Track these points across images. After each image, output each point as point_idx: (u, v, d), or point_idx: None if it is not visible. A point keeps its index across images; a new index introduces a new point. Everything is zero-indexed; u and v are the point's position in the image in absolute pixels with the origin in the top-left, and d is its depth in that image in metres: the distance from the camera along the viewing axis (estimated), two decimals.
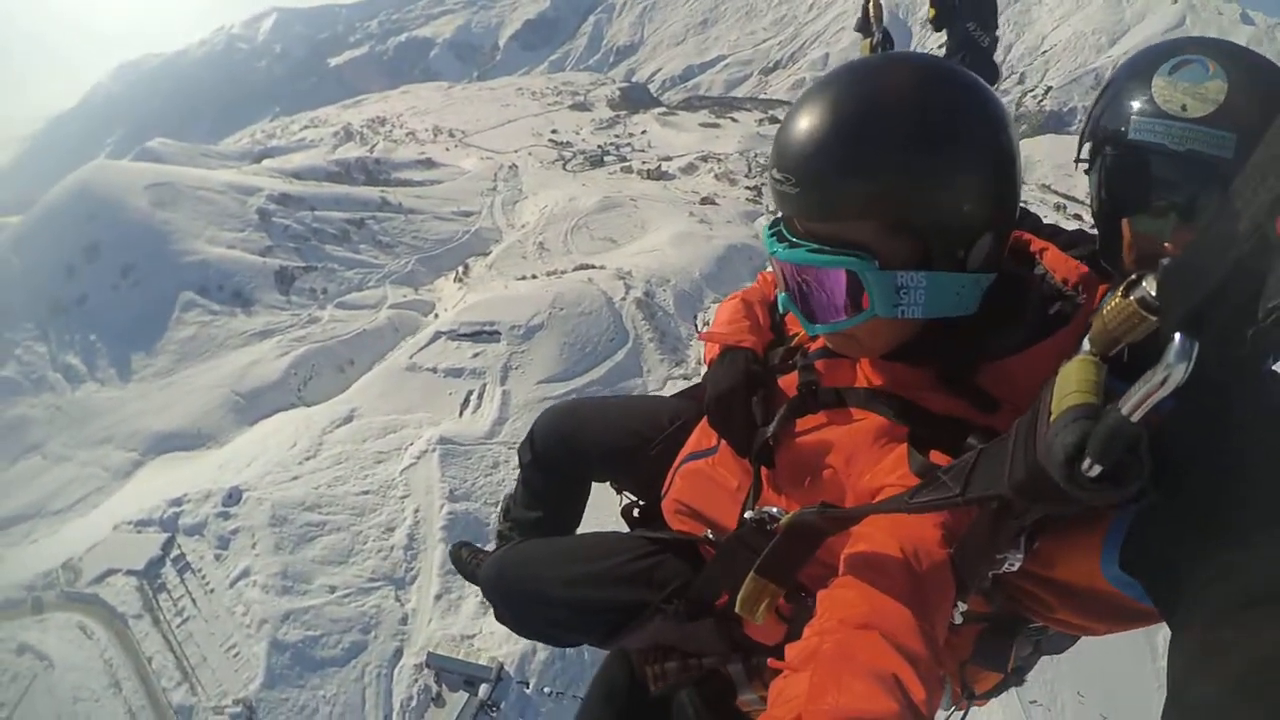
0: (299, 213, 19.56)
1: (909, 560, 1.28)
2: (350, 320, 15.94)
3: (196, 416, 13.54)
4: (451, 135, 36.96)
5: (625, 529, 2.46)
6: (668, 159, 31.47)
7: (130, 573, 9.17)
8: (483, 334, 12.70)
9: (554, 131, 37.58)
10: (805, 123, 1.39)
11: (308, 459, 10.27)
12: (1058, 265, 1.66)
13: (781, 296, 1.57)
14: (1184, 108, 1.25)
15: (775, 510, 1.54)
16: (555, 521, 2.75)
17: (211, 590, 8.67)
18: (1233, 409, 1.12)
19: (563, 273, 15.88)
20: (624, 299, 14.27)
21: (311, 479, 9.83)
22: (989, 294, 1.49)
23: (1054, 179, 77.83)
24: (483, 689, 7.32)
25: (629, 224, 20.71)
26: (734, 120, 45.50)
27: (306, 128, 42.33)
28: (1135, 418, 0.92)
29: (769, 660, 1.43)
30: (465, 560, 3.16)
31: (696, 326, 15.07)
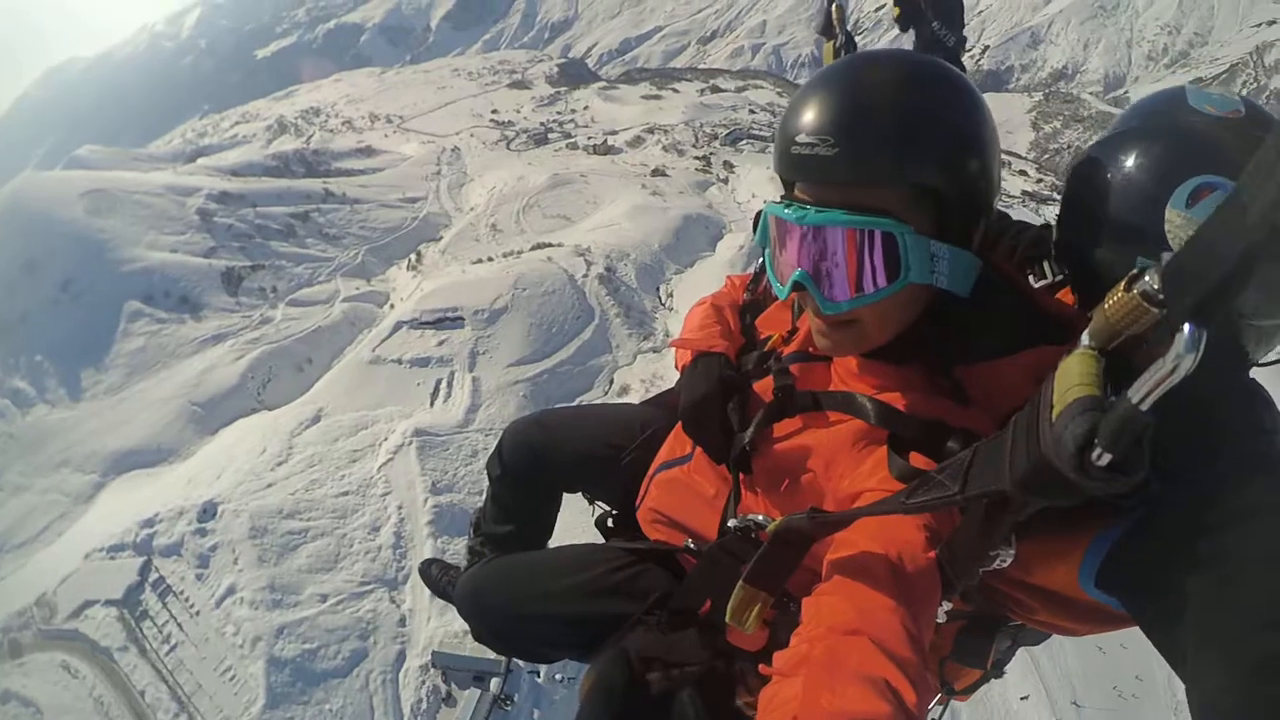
0: (240, 210, 18.87)
1: (895, 564, 1.41)
2: (304, 318, 15.45)
3: (155, 431, 13.00)
4: (389, 121, 36.16)
5: (599, 539, 2.73)
6: (613, 133, 31.18)
7: (109, 603, 8.72)
8: (445, 321, 12.38)
9: (494, 111, 36.93)
10: (841, 90, 1.55)
11: (279, 464, 9.89)
12: (1039, 294, 1.80)
13: (797, 274, 1.62)
14: None
15: (760, 518, 1.71)
16: (527, 535, 3.10)
17: (197, 612, 8.32)
18: (1217, 425, 1.25)
19: (520, 253, 15.53)
20: (585, 276, 14.03)
21: (286, 485, 9.46)
22: (978, 293, 1.63)
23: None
24: (493, 683, 7.04)
25: (581, 200, 20.44)
26: (675, 91, 45.32)
27: (238, 123, 41.04)
28: (1145, 406, 1.00)
29: (759, 666, 1.50)
30: (436, 577, 3.71)
31: (660, 299, 15.02)
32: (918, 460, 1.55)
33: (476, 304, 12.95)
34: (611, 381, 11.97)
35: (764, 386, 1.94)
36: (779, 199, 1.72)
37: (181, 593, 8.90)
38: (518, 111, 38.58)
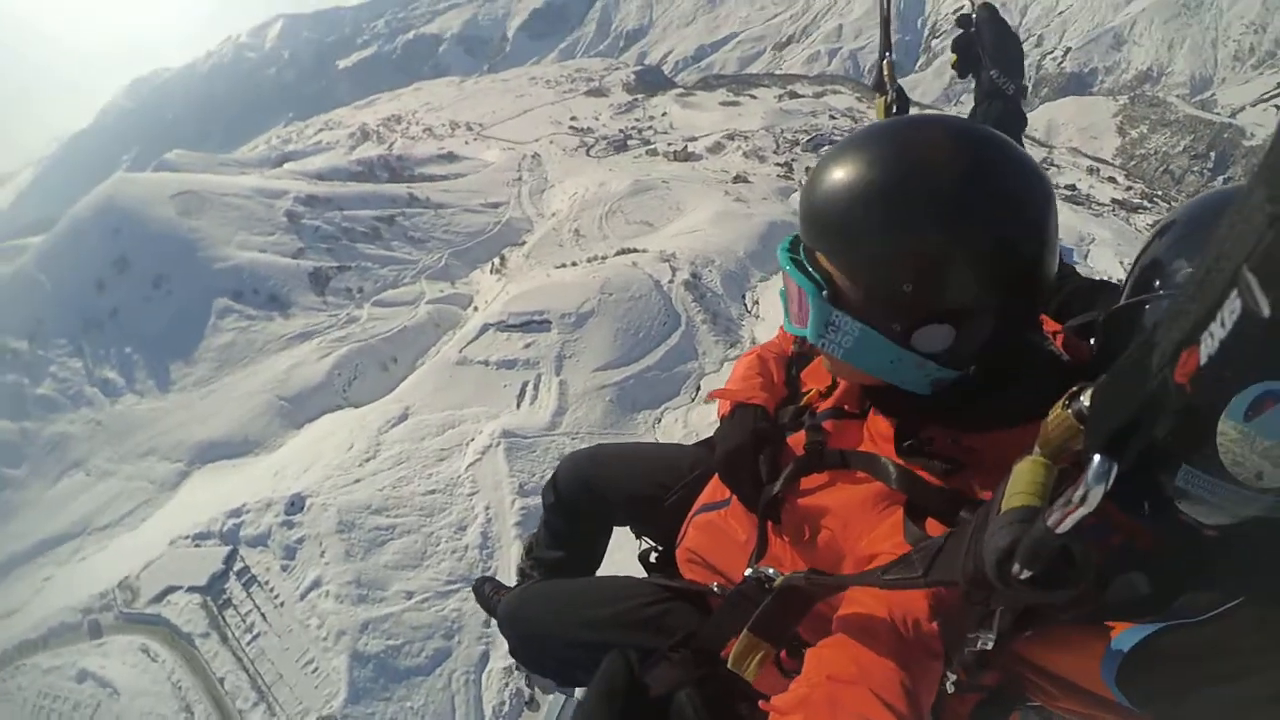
0: (327, 213, 19.13)
1: (898, 626, 1.46)
2: (389, 318, 15.55)
3: (241, 423, 13.14)
4: (469, 129, 36.42)
5: (641, 573, 2.89)
6: (692, 139, 30.95)
7: (192, 589, 8.75)
8: (532, 324, 12.28)
9: (573, 119, 36.90)
10: (831, 158, 1.70)
11: (367, 460, 9.86)
12: (1075, 349, 1.88)
13: (781, 291, 1.88)
14: (1260, 475, 1.04)
15: (771, 571, 1.80)
16: (576, 562, 3.32)
17: (281, 603, 8.29)
18: (1244, 540, 1.19)
19: (604, 258, 15.37)
20: (671, 281, 13.82)
21: (374, 481, 9.41)
22: (991, 364, 1.70)
23: (1080, 141, 76.89)
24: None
25: (663, 206, 20.28)
26: (753, 98, 44.70)
27: (322, 130, 41.84)
28: (1060, 530, 1.01)
29: (760, 703, 1.55)
30: (487, 595, 3.95)
31: (746, 307, 14.70)
32: (933, 527, 1.58)
33: (563, 308, 12.79)
34: (698, 388, 11.72)
35: (797, 440, 2.04)
36: None
37: (266, 583, 8.81)
38: (596, 118, 38.70)
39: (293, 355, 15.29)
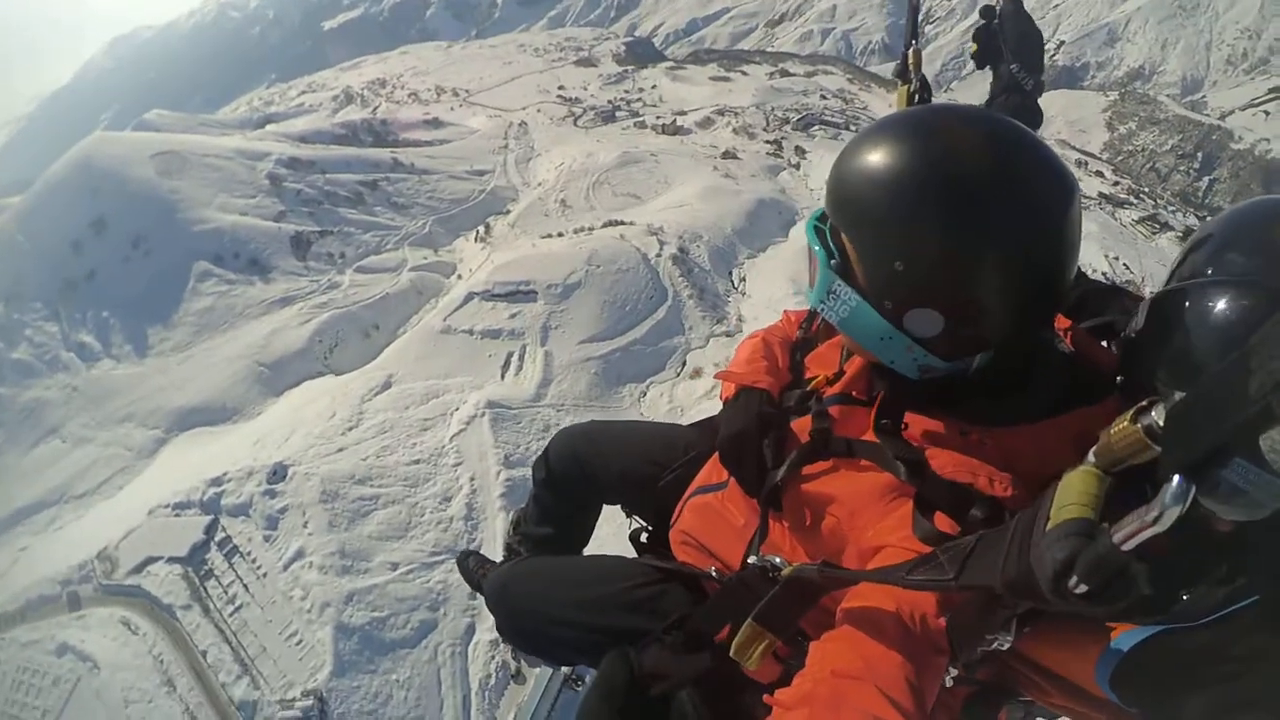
0: (310, 176, 18.80)
1: (905, 622, 1.45)
2: (371, 284, 15.32)
3: (220, 389, 12.92)
4: (455, 94, 36.03)
5: (631, 552, 2.83)
6: (682, 113, 30.72)
7: (173, 560, 8.59)
8: (518, 294, 12.15)
9: (561, 88, 36.57)
10: (860, 144, 1.72)
11: (350, 429, 9.71)
12: (1087, 347, 1.89)
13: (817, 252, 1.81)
14: None
15: (778, 560, 1.74)
16: (564, 539, 3.26)
17: (264, 574, 8.15)
18: (1244, 547, 1.22)
19: (591, 230, 15.24)
20: (659, 255, 13.71)
21: (357, 450, 9.27)
22: (1008, 361, 1.70)
23: (1069, 134, 77.10)
24: (563, 668, 6.78)
25: (651, 179, 20.12)
26: (744, 74, 44.46)
27: (304, 93, 41.22)
28: (1126, 548, 1.02)
29: (764, 696, 1.52)
30: (472, 569, 3.86)
31: (733, 283, 14.66)
32: (942, 522, 1.55)
33: (550, 278, 12.64)
34: (684, 363, 11.62)
35: (802, 426, 1.98)
36: None
37: (249, 554, 8.68)
38: (585, 89, 38.35)
39: (273, 321, 15.08)
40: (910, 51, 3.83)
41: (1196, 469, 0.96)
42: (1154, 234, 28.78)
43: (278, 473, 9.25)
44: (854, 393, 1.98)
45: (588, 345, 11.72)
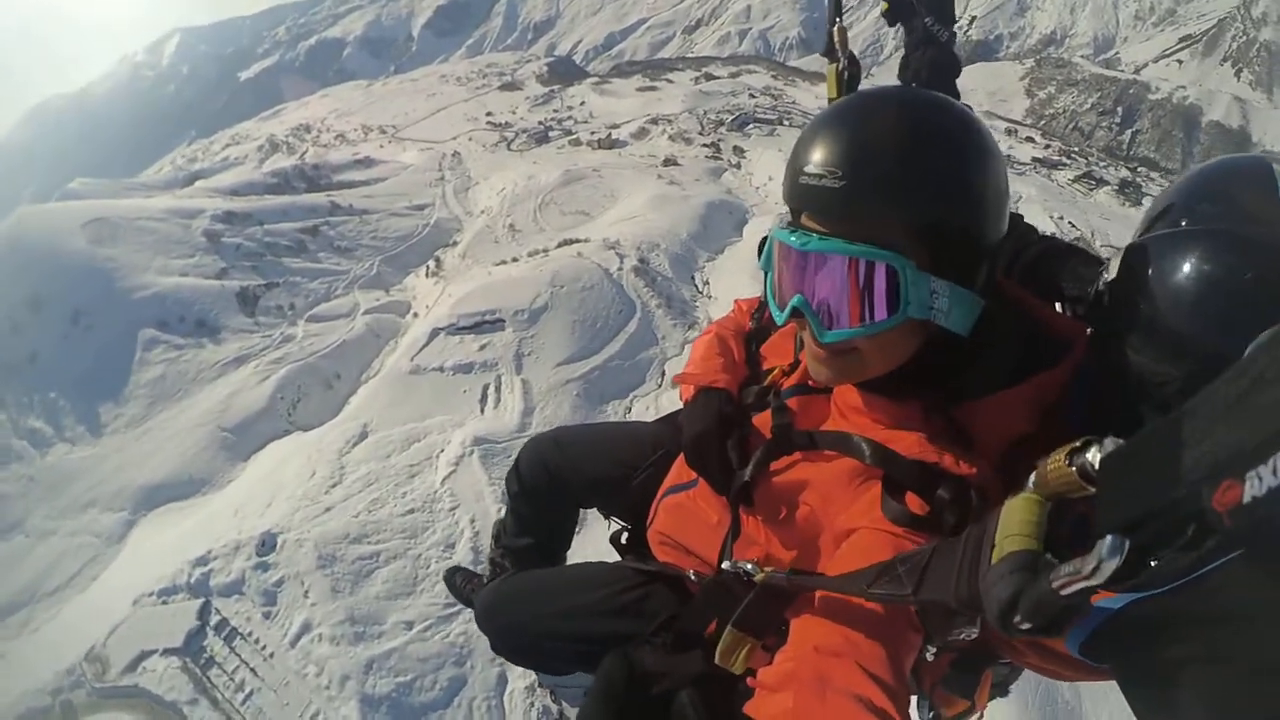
0: (248, 229, 18.28)
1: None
2: (326, 333, 14.89)
3: (184, 461, 12.39)
4: (383, 131, 35.73)
5: (614, 555, 2.87)
6: (615, 126, 30.77)
7: (168, 652, 8.07)
8: (484, 324, 11.84)
9: (489, 114, 36.31)
10: (853, 126, 1.62)
11: (333, 487, 9.28)
12: (1039, 310, 1.87)
13: (796, 299, 1.67)
14: None
15: (749, 566, 1.80)
16: (545, 548, 3.28)
17: (271, 654, 7.68)
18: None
19: (547, 251, 15.02)
20: (620, 269, 13.55)
21: (346, 507, 8.83)
22: (978, 327, 1.67)
23: (990, 105, 79.32)
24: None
25: (597, 194, 20.02)
26: (670, 82, 44.78)
27: (228, 146, 40.43)
28: (1065, 593, 1.02)
29: (747, 680, 1.58)
30: (460, 585, 3.97)
31: (697, 287, 14.57)
32: (912, 502, 1.59)
33: (515, 304, 12.37)
34: (664, 373, 11.45)
35: (764, 421, 2.01)
36: (785, 225, 1.75)
37: (250, 634, 8.19)
38: (513, 112, 38.23)
39: (230, 382, 14.56)
40: (835, 30, 3.84)
41: (1129, 530, 0.96)
42: (1091, 190, 29.51)
43: (266, 543, 8.78)
44: (810, 381, 1.97)
45: (565, 368, 11.46)
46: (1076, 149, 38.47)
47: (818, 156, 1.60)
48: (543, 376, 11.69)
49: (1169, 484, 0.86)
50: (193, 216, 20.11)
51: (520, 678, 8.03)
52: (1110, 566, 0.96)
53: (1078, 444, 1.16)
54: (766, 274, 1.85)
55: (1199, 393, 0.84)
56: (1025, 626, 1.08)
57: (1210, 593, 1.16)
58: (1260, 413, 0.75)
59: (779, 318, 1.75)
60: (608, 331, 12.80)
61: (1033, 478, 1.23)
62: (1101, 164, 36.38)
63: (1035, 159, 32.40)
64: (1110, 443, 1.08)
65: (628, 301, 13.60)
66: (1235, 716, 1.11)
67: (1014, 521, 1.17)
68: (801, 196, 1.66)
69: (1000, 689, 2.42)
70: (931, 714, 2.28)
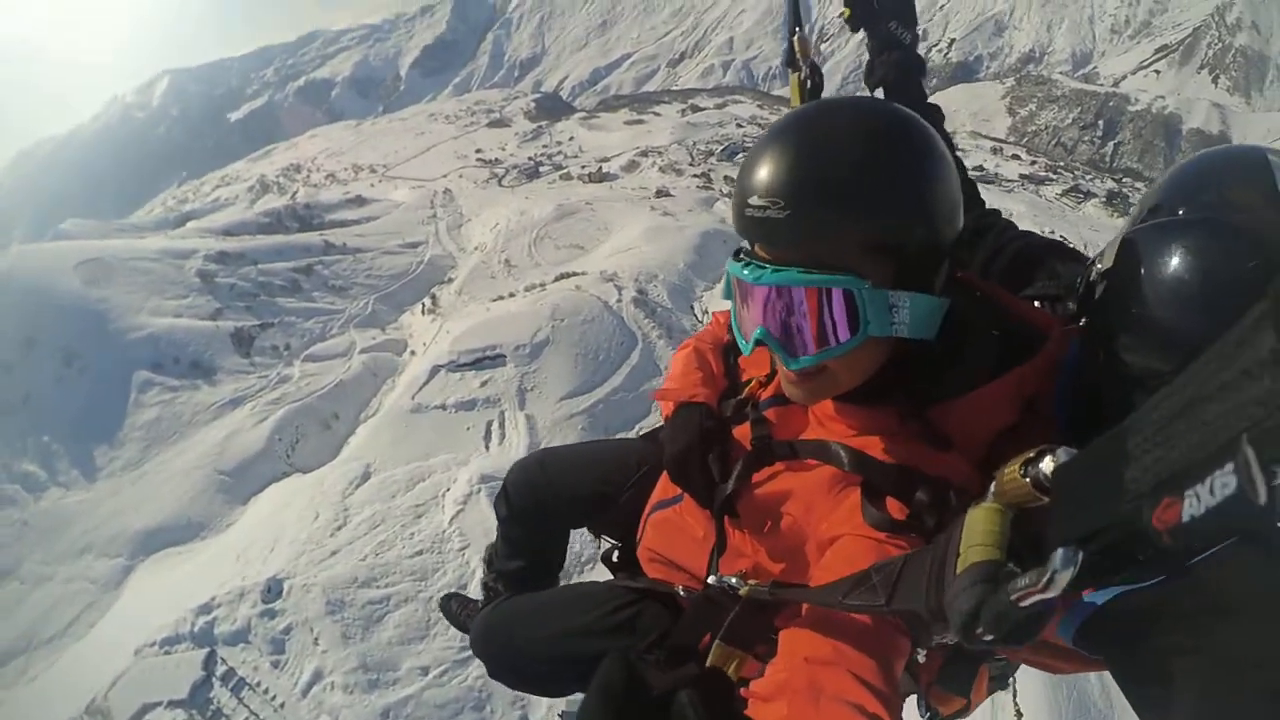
0: (241, 269, 18.20)
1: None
2: (323, 373, 14.78)
3: (181, 505, 12.21)
4: (373, 170, 35.97)
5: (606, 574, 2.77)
6: (605, 160, 31.01)
7: (173, 704, 7.85)
8: (485, 360, 11.82)
9: (479, 151, 36.71)
10: (790, 149, 1.51)
11: (338, 529, 9.16)
12: (1014, 304, 1.83)
13: (759, 332, 1.63)
14: None
15: (734, 581, 1.73)
16: (537, 570, 3.09)
17: (282, 705, 7.49)
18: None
19: (544, 285, 15.09)
20: (619, 301, 13.60)
21: (353, 550, 8.70)
22: (943, 332, 1.60)
23: (973, 125, 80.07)
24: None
25: (591, 228, 20.06)
26: (657, 114, 45.27)
27: (219, 186, 40.70)
28: (1023, 605, 0.99)
29: (740, 690, 1.55)
30: (455, 612, 3.67)
31: (697, 317, 14.53)
32: (893, 506, 1.54)
33: (516, 339, 12.28)
34: None
35: (743, 433, 1.93)
36: (738, 256, 1.68)
37: (258, 684, 7.99)
38: (503, 149, 38.48)
39: (226, 424, 14.41)
40: (795, 39, 3.69)
41: (1082, 543, 0.94)
42: (1079, 203, 29.72)
43: (272, 589, 8.59)
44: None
45: (568, 402, 11.35)
46: (1062, 164, 38.78)
47: (761, 184, 1.52)
48: (547, 411, 11.58)
49: (1115, 499, 0.86)
50: (186, 257, 20.04)
51: (542, 719, 7.85)
52: (1064, 578, 0.94)
53: (1032, 454, 1.13)
54: (733, 304, 1.78)
55: (1144, 405, 0.84)
56: (988, 638, 1.05)
57: (1197, 587, 1.17)
58: (1197, 430, 0.74)
59: (745, 349, 1.70)
60: (610, 364, 12.73)
61: (992, 487, 1.20)
62: (1087, 177, 36.75)
63: (1022, 175, 32.73)
64: (1064, 453, 1.07)
65: (628, 333, 13.55)
66: (1223, 706, 1.10)
67: (977, 532, 1.14)
68: (749, 229, 1.59)
69: (999, 681, 2.37)
70: (929, 714, 2.22)
